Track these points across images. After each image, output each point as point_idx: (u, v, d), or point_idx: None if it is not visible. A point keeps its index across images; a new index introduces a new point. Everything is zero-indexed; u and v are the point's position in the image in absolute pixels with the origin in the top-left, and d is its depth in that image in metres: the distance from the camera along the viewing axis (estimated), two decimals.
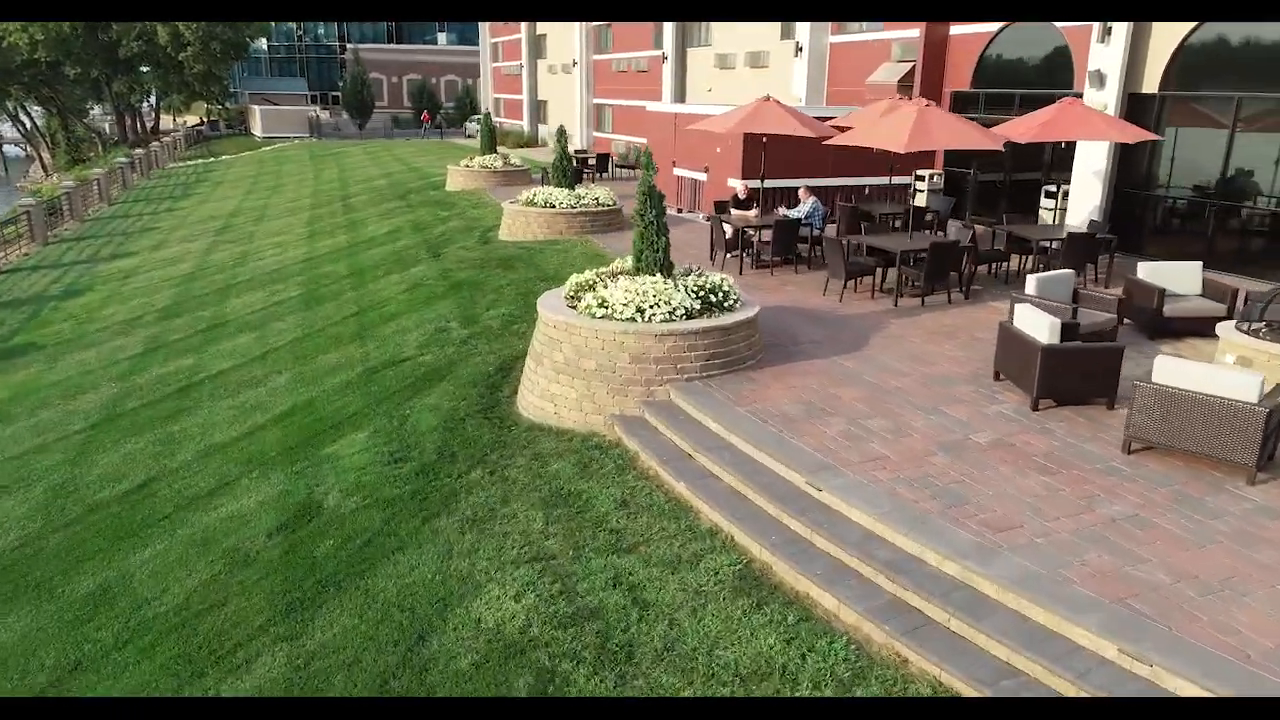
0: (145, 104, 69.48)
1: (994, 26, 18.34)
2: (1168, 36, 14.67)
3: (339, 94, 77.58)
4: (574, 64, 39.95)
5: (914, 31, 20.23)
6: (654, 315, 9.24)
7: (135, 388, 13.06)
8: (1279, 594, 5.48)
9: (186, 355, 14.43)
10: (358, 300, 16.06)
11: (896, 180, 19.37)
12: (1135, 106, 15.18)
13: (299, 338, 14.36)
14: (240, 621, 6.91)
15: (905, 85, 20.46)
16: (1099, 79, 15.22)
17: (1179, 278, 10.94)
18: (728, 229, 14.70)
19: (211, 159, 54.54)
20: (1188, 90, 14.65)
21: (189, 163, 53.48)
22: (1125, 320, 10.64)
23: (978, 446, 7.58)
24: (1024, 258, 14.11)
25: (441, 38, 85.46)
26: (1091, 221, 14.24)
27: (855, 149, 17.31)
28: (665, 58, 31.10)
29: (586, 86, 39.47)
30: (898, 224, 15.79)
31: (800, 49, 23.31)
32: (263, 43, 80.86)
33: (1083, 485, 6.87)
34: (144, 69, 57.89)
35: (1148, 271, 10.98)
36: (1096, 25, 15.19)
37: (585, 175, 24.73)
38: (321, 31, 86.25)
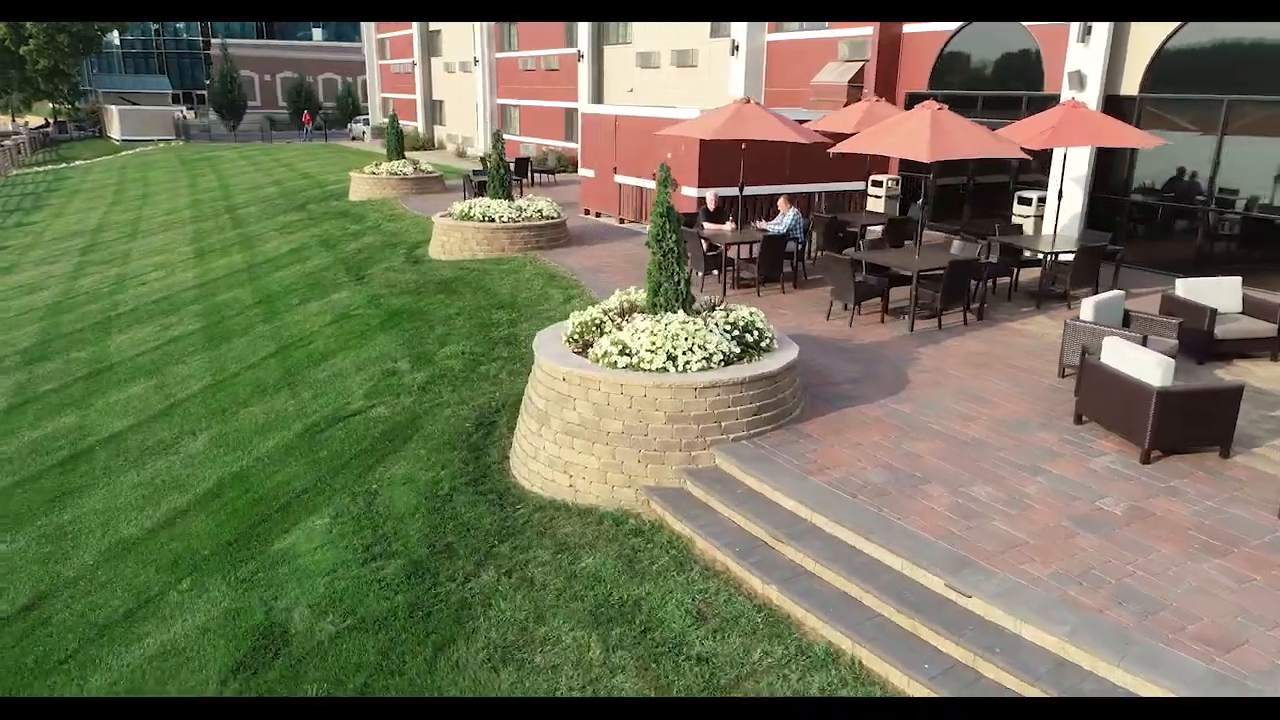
0: None
1: (952, 25, 17.56)
2: (1148, 37, 14.11)
3: (205, 93, 72.01)
4: (475, 62, 37.65)
5: (863, 29, 19.30)
6: (689, 363, 7.66)
7: (2, 459, 10.51)
8: None
9: (66, 411, 11.87)
10: (274, 335, 13.75)
11: (847, 187, 18.43)
12: (1113, 109, 14.56)
13: (210, 385, 12.03)
14: None
15: (855, 86, 19.51)
16: (1079, 80, 14.55)
17: (1219, 295, 10.15)
18: (704, 245, 13.20)
19: (64, 164, 49.24)
20: (1169, 93, 14.13)
21: (37, 169, 48.07)
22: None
23: (1115, 519, 6.35)
24: (1016, 271, 13.22)
25: (317, 33, 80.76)
26: (1088, 230, 13.49)
27: (808, 153, 16.28)
28: (581, 56, 29.40)
29: (489, 86, 37.26)
30: (873, 237, 14.74)
31: (737, 47, 22.09)
32: (115, 37, 74.22)
33: (1268, 569, 5.72)
34: None
35: (1188, 289, 10.14)
36: (1075, 25, 14.51)
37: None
38: (182, 25, 79.94)
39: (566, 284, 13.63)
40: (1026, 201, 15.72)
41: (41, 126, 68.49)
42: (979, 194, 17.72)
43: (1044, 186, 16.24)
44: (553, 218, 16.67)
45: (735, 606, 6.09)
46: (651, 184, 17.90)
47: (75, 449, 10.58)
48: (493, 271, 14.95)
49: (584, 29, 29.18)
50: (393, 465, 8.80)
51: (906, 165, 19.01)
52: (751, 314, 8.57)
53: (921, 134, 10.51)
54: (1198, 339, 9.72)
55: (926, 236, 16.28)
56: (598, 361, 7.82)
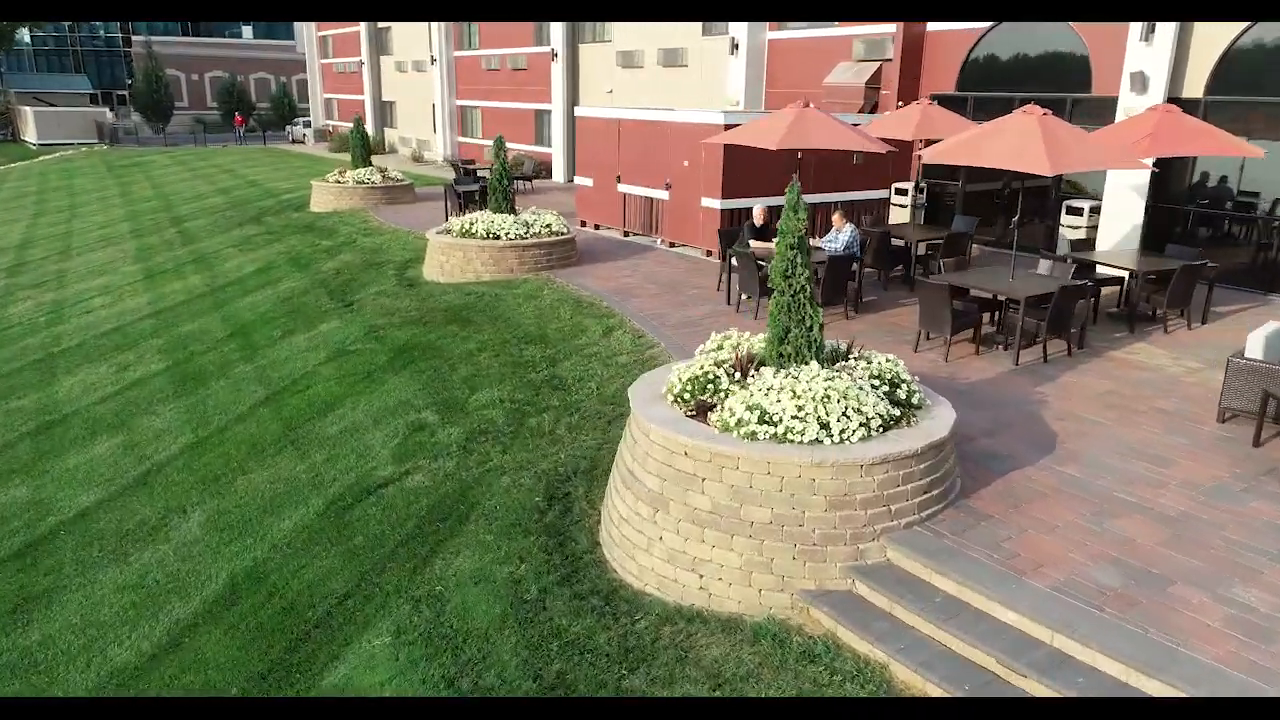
0: None
1: (983, 25, 16.45)
2: (1214, 38, 13.15)
3: (127, 93, 67.81)
4: (431, 61, 35.57)
5: (880, 27, 18.10)
6: (846, 431, 6.18)
7: None
8: None
9: (14, 481, 9.82)
10: (260, 377, 11.83)
11: (870, 195, 17.22)
12: None
13: (193, 444, 10.10)
14: None
15: (873, 87, 18.32)
16: (1141, 82, 13.52)
17: None
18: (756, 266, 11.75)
19: None
20: (1236, 95, 13.19)
21: None
22: None
23: None
24: (1099, 292, 12.05)
25: (247, 31, 76.81)
26: (1172, 245, 12.43)
27: (827, 159, 14.94)
28: (555, 55, 27.67)
29: (448, 87, 35.21)
30: (927, 251, 13.53)
31: (737, 45, 20.69)
32: (25, 34, 69.36)
33: None
34: None
35: None
36: (1135, 25, 13.47)
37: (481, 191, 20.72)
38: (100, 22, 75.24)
39: (599, 312, 12.02)
40: (1077, 211, 14.65)
41: None
42: (1018, 202, 16.62)
43: (1088, 194, 15.23)
44: (563, 233, 15.02)
45: None
46: (661, 194, 16.40)
47: (32, 534, 8.59)
48: (506, 297, 13.24)
49: (557, 26, 27.48)
50: (453, 557, 7.12)
51: (929, 171, 17.87)
52: (889, 361, 7.15)
53: (1034, 144, 9.25)
54: None
55: (974, 252, 15.15)
56: (729, 430, 6.29)
